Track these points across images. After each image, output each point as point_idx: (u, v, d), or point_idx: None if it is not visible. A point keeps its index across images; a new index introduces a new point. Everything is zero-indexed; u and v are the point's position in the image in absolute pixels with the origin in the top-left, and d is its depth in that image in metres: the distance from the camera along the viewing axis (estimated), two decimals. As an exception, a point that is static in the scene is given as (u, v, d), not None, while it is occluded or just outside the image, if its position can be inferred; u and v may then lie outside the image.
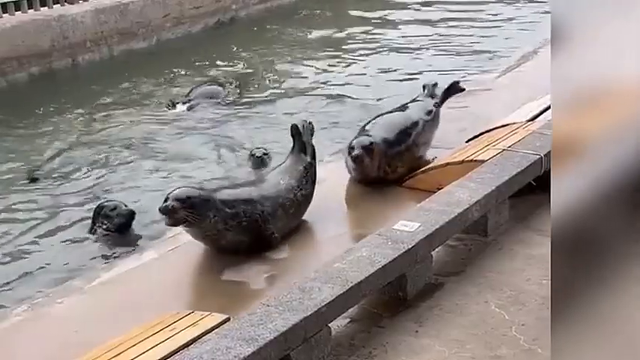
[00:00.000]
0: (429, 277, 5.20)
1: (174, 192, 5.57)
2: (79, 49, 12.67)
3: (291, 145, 6.67)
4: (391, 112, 7.66)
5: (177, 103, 10.62)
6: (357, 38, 13.99)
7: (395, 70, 12.00)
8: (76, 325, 5.19)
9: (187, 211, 5.46)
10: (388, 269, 4.83)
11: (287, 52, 13.35)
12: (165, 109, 10.55)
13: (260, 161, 8.19)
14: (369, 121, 7.40)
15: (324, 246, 6.13)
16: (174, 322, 4.58)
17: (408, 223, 5.27)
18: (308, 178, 6.44)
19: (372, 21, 15.11)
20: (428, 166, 7.00)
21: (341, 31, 14.39)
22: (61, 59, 12.43)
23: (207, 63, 12.78)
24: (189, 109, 10.41)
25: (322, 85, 11.41)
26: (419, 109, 7.59)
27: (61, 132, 9.93)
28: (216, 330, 4.21)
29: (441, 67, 11.68)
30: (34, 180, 8.26)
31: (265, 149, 8.45)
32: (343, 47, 13.45)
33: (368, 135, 6.96)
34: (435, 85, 8.06)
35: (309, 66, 12.48)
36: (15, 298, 5.99)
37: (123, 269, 5.80)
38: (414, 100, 7.87)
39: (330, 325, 4.45)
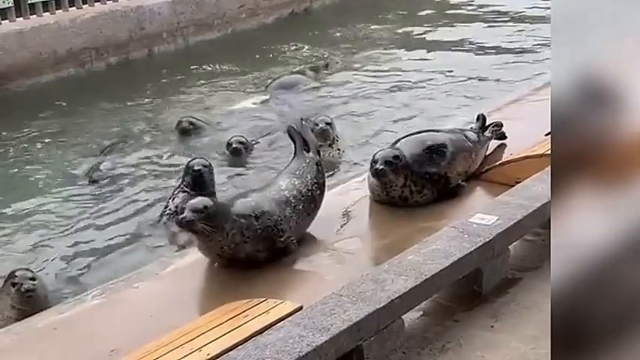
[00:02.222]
0: (506, 271, 5.07)
1: (191, 202, 5.36)
2: (155, 39, 12.89)
3: (293, 147, 6.35)
4: (434, 131, 7.08)
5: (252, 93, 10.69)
6: (434, 35, 13.79)
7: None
8: (151, 309, 5.23)
9: (204, 222, 5.22)
10: (463, 263, 4.73)
11: (361, 44, 13.28)
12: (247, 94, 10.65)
13: (321, 131, 8.08)
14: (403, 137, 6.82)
15: (397, 238, 6.03)
16: (247, 309, 4.60)
17: (485, 216, 5.16)
18: (314, 174, 6.06)
19: (446, 18, 14.85)
20: (506, 159, 6.84)
21: (419, 27, 14.20)
22: (138, 50, 12.66)
23: (281, 54, 12.81)
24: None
25: (396, 81, 11.26)
26: (464, 136, 6.94)
27: (132, 121, 10.12)
28: (289, 318, 4.19)
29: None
30: (94, 181, 8.32)
31: (328, 118, 8.39)
32: (420, 43, 13.29)
33: (395, 149, 6.44)
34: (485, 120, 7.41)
35: (382, 58, 12.38)
36: (92, 283, 6.12)
37: (196, 257, 5.82)
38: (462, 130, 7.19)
39: (403, 317, 4.38)
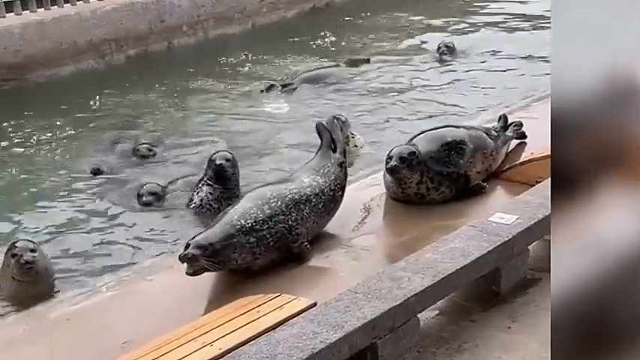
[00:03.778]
0: (525, 271, 4.98)
1: (196, 238, 5.16)
2: (175, 32, 12.84)
3: (319, 142, 6.28)
4: (455, 127, 7.01)
5: (273, 86, 10.61)
6: (461, 25, 13.67)
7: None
8: (165, 302, 5.19)
9: (208, 260, 5.02)
10: (482, 262, 4.66)
11: (385, 38, 13.16)
12: (263, 92, 10.56)
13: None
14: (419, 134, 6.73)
15: (413, 236, 5.95)
16: (261, 304, 4.56)
17: (505, 215, 5.08)
18: (337, 175, 5.99)
19: (475, 7, 14.68)
20: (526, 159, 6.74)
21: (445, 18, 14.06)
22: (158, 42, 12.63)
23: (302, 50, 12.70)
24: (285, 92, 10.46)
25: (423, 77, 11.13)
26: (484, 134, 6.82)
27: (149, 113, 10.10)
28: (302, 314, 4.14)
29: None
30: (97, 173, 8.17)
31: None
32: (447, 34, 13.15)
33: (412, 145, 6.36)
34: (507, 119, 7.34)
35: (408, 51, 12.27)
36: (106, 274, 6.06)
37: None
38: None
39: (419, 316, 4.32)
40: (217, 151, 7.26)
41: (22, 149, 9.10)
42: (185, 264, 5.05)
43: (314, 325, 3.94)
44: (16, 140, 9.33)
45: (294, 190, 5.68)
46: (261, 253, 5.36)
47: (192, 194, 7.10)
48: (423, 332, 4.36)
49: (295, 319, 4.08)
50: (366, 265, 5.40)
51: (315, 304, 4.35)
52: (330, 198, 5.90)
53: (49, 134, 9.46)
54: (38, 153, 8.97)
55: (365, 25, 13.96)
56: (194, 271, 5.06)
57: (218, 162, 6.93)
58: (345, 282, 5.06)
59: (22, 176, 8.36)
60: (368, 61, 11.70)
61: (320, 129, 6.34)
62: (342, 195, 6.08)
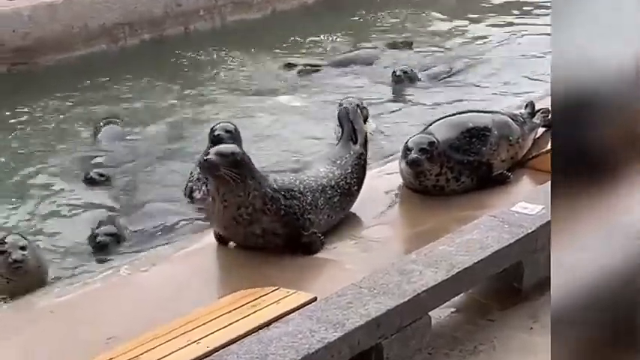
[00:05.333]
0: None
1: (218, 146, 5.18)
2: (191, 17, 12.47)
3: (340, 131, 5.96)
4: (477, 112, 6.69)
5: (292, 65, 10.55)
6: (488, 11, 13.25)
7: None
8: (159, 295, 4.82)
9: (228, 168, 4.88)
10: (502, 255, 4.27)
11: (410, 28, 12.74)
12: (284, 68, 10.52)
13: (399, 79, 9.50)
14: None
15: (430, 227, 5.53)
16: (258, 298, 4.21)
17: (529, 205, 4.68)
18: (354, 168, 5.66)
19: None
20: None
21: (472, 5, 13.61)
22: (174, 27, 12.26)
23: (322, 37, 12.33)
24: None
25: (448, 66, 10.66)
26: (510, 119, 6.42)
27: (160, 99, 9.78)
28: (300, 310, 3.76)
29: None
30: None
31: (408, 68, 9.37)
32: (474, 22, 12.72)
33: (429, 134, 5.97)
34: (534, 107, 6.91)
35: (436, 39, 11.89)
36: (102, 264, 5.80)
37: (209, 240, 5.38)
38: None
39: (430, 314, 3.92)
40: (219, 122, 6.89)
41: (24, 135, 8.79)
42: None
43: (312, 323, 3.57)
44: (19, 126, 9.01)
45: (312, 178, 5.39)
46: (270, 210, 5.05)
47: (192, 172, 6.78)
48: (435, 332, 3.99)
49: (292, 315, 3.71)
50: (376, 258, 4.98)
51: (315, 299, 3.96)
52: (346, 192, 5.55)
53: (57, 120, 9.16)
54: (42, 137, 8.66)
55: (389, 13, 13.51)
56: (211, 174, 4.98)
57: (217, 133, 6.52)
58: (351, 276, 4.64)
59: (19, 163, 8.00)
60: (410, 44, 11.32)
61: (341, 117, 5.97)
62: (358, 190, 5.72)
